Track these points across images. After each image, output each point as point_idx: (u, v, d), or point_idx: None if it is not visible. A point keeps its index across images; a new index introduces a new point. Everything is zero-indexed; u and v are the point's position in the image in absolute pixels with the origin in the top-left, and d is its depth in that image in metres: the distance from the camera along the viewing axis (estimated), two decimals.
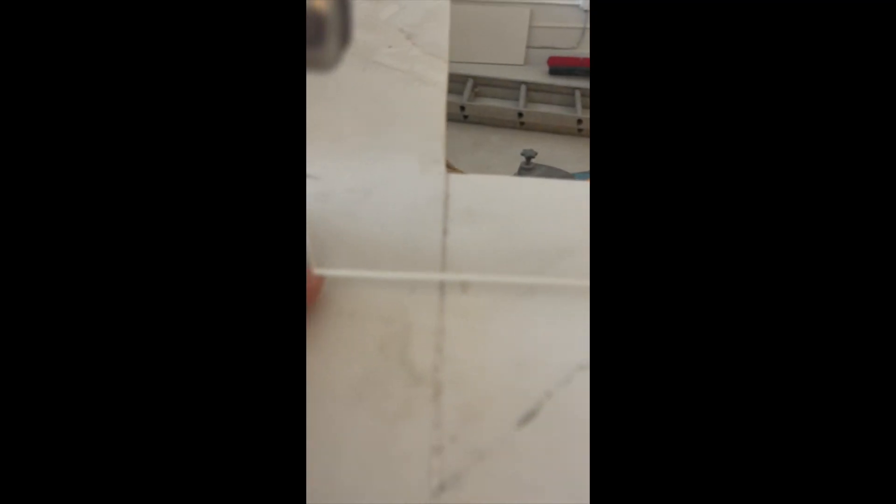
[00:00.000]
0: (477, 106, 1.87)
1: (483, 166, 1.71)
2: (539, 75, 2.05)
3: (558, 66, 2.06)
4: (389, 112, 0.44)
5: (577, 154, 1.78)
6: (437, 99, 0.46)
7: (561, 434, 0.24)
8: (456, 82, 1.88)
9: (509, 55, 2.13)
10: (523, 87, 1.92)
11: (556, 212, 0.36)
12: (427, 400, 0.25)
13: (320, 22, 0.17)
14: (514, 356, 0.27)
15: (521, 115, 1.85)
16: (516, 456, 0.23)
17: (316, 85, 0.45)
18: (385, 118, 0.43)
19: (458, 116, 1.84)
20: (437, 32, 0.56)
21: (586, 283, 0.30)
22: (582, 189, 0.38)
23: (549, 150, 1.77)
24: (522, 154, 1.59)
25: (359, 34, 0.55)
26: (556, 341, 0.28)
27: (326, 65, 0.18)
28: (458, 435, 0.24)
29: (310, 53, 0.17)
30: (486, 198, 0.37)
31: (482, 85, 1.96)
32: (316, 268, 0.30)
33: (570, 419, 0.25)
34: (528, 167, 1.57)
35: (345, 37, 0.19)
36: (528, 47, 2.13)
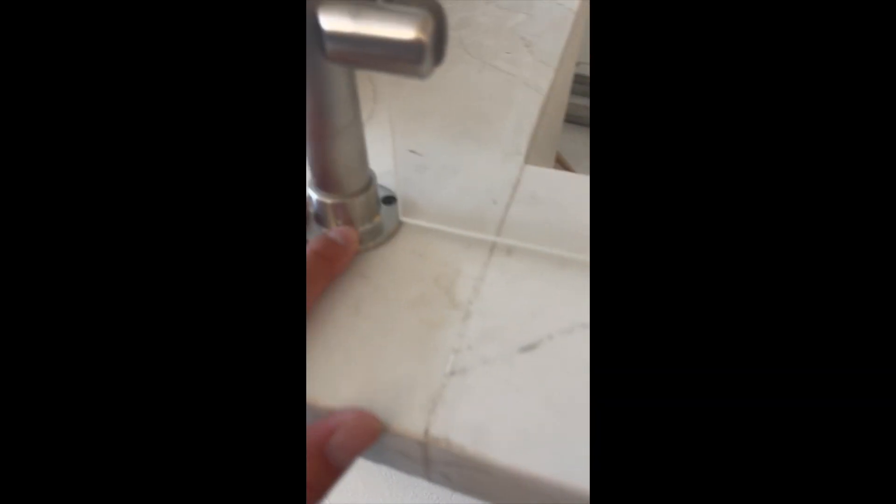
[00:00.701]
0: None
1: None
2: None
3: None
4: (491, 108, 0.53)
5: None
6: (534, 101, 0.54)
7: (551, 366, 0.33)
8: (588, 84, 1.91)
9: None
10: None
11: None
12: (458, 319, 0.35)
13: (422, 48, 0.27)
14: (533, 306, 0.36)
15: None
16: (512, 369, 0.32)
17: (435, 82, 0.56)
18: (486, 113, 0.52)
19: (586, 120, 1.86)
20: (554, 42, 0.64)
21: None
22: None
23: None
24: None
25: (484, 39, 0.64)
26: (570, 303, 0.36)
27: (422, 76, 0.28)
28: (474, 346, 0.33)
29: (411, 68, 0.27)
30: (552, 188, 0.45)
31: None
32: (402, 216, 0.40)
33: (562, 359, 0.33)
34: None
35: (438, 57, 0.28)
36: None
